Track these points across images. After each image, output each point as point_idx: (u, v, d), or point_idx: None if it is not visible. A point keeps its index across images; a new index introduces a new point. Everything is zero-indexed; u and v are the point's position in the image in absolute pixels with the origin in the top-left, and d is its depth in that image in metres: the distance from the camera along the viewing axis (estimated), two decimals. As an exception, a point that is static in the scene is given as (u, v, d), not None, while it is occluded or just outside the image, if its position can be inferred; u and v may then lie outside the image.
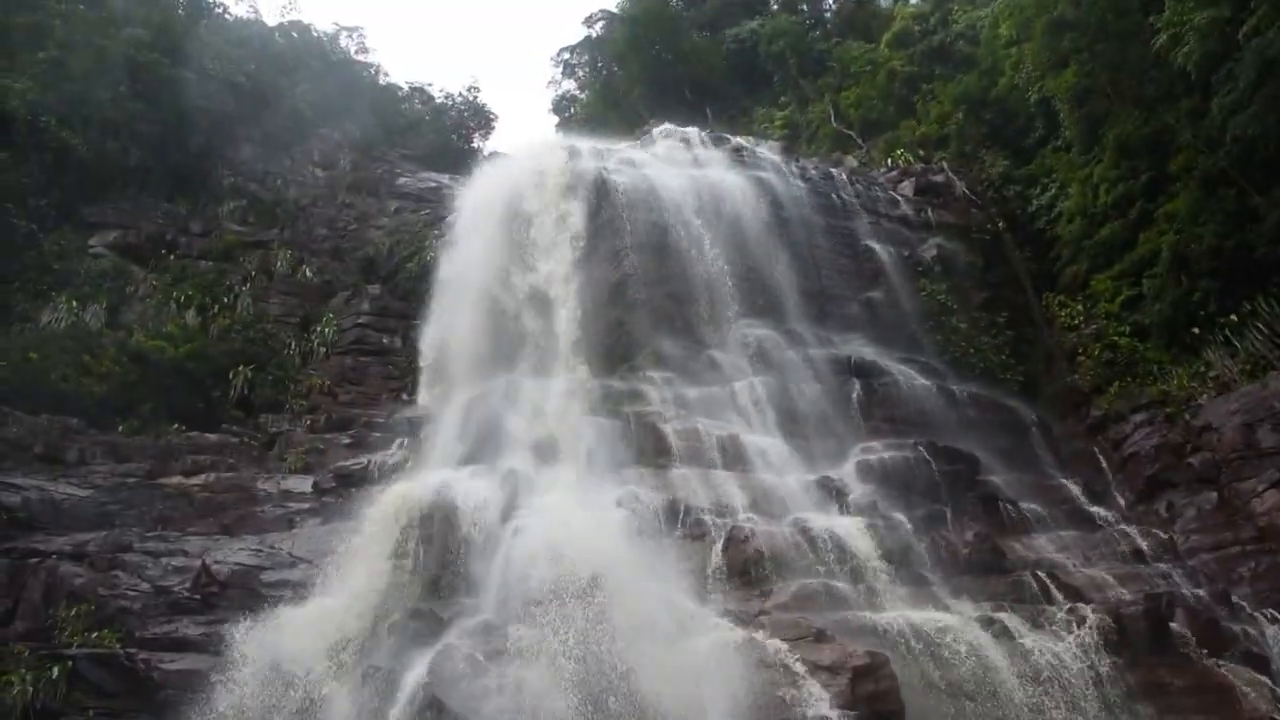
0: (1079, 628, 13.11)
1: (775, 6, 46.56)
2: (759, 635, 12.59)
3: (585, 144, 26.29)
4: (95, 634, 14.80)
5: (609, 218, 23.12)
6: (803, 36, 41.88)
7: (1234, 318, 20.70)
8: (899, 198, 27.17)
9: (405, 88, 46.29)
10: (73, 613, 15.14)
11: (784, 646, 12.20)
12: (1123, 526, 17.59)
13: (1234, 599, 15.52)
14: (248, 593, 16.00)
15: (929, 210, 26.83)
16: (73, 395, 20.62)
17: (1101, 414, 21.89)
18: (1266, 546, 16.86)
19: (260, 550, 16.93)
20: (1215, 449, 19.23)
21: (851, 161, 31.25)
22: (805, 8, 46.37)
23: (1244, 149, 21.19)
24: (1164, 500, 18.97)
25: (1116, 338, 23.51)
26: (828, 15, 45.91)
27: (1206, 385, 20.92)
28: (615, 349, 21.15)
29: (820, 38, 42.60)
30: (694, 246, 22.52)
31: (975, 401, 20.44)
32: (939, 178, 28.37)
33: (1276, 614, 15.20)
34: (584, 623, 12.93)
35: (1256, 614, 15.12)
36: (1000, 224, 27.38)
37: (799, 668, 11.82)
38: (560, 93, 54.78)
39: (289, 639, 14.19)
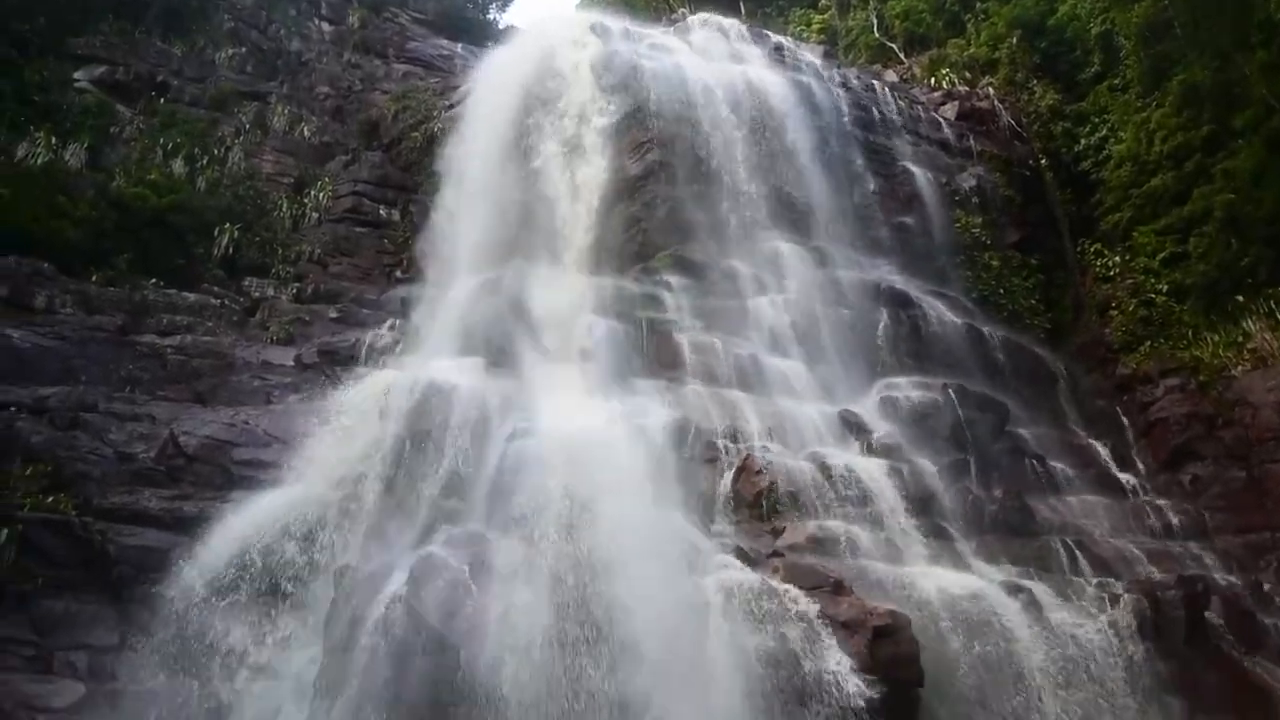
0: (1111, 607, 12.18)
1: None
2: (773, 580, 11.56)
3: (615, 24, 24.42)
4: (50, 498, 13.58)
5: (636, 106, 21.40)
6: (852, -65, 39.34)
7: (1282, 289, 19.63)
8: (941, 120, 25.54)
9: (425, -55, 43.69)
10: (28, 472, 13.85)
11: (801, 595, 11.16)
12: (1153, 498, 16.64)
13: (1265, 588, 14.65)
14: (217, 469, 14.84)
15: (971, 137, 25.26)
16: (43, 238, 18.99)
17: (1129, 373, 20.86)
18: (1298, 536, 16.06)
19: (233, 425, 15.66)
20: (1248, 426, 18.33)
21: (891, 76, 29.44)
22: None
23: (1326, 111, 19.78)
24: (1189, 472, 18.08)
25: (1153, 295, 22.41)
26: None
27: (1242, 356, 19.89)
28: (630, 247, 19.70)
29: (870, -61, 40.04)
30: (724, 146, 20.92)
31: (1005, 346, 19.23)
32: (984, 104, 26.71)
33: (1307, 610, 14.37)
34: (581, 544, 11.82)
35: (1286, 607, 14.26)
36: (1043, 160, 25.89)
37: (816, 621, 10.80)
38: (584, -29, 51.93)
39: (260, 524, 13.09)
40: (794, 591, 11.23)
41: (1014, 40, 28.90)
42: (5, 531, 12.92)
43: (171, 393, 16.67)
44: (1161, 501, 16.57)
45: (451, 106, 25.78)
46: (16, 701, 11.69)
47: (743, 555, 12.33)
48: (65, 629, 12.64)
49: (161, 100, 26.54)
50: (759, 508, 13.52)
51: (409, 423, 14.41)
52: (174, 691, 11.73)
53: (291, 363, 18.57)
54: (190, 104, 27.30)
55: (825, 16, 38.29)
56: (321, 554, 12.75)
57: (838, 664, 10.42)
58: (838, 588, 11.41)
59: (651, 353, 16.62)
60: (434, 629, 11.06)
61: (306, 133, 28.00)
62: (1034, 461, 16.47)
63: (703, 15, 27.55)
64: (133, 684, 11.80)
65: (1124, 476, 17.40)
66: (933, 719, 10.84)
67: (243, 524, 12.92)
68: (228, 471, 14.74)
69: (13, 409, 14.93)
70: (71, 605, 12.84)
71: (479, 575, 11.64)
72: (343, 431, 14.90)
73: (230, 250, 22.19)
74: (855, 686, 10.18)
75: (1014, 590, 12.30)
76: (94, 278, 19.23)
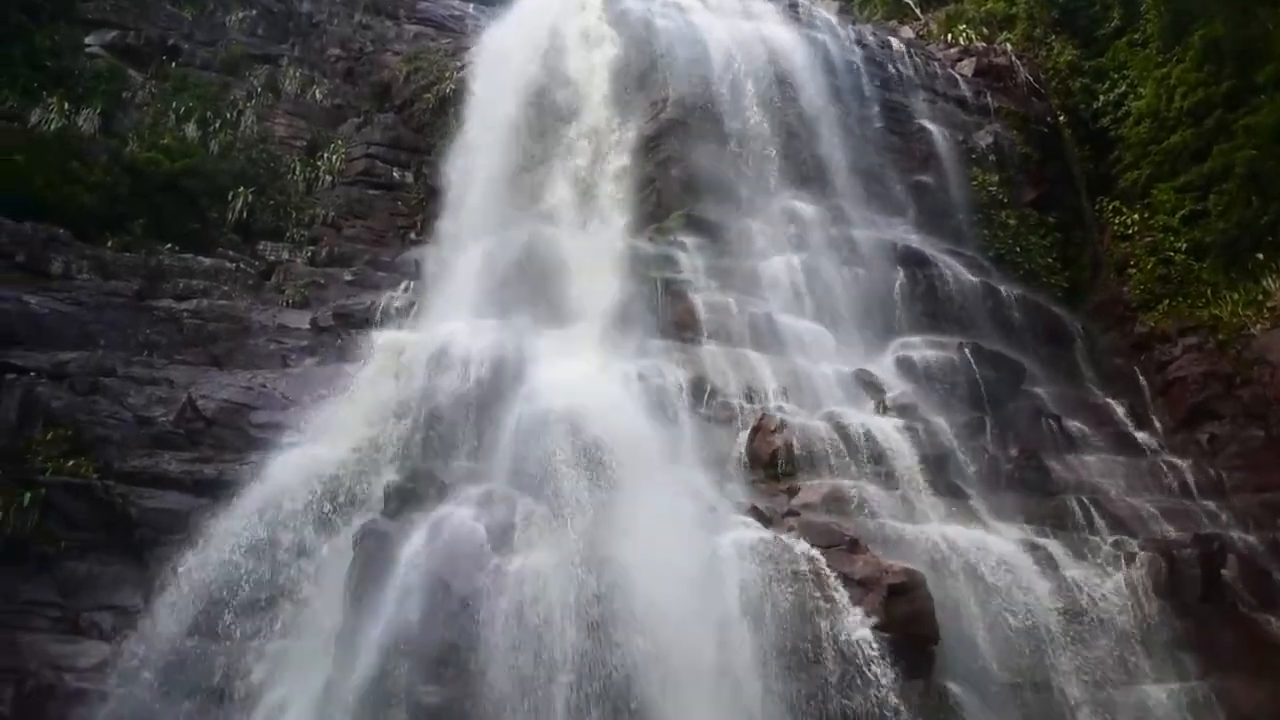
0: (1127, 565, 12.22)
1: None
2: (787, 538, 11.60)
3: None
4: (71, 462, 13.77)
5: (649, 65, 21.31)
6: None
7: (1303, 247, 19.44)
8: (958, 77, 25.22)
9: (433, -99, 43.19)
10: (49, 436, 14.06)
11: (815, 553, 11.21)
12: (1169, 457, 16.58)
13: (1282, 548, 14.62)
14: (235, 432, 14.97)
15: (988, 94, 24.91)
16: (57, 204, 18.99)
17: (1147, 332, 20.70)
18: (1317, 497, 15.98)
19: (250, 388, 15.79)
20: (1267, 385, 18.23)
21: (907, 32, 29.04)
22: None
23: (1351, 65, 19.46)
24: (1206, 431, 17.95)
25: (1172, 253, 22.13)
26: None
27: (1261, 315, 19.72)
28: (644, 208, 19.61)
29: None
30: (738, 104, 20.79)
31: (1021, 304, 19.12)
32: (1001, 60, 26.32)
33: (1324, 569, 14.32)
34: (598, 504, 11.94)
35: (1304, 566, 14.22)
36: (1061, 117, 25.55)
37: (831, 579, 10.87)
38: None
39: (278, 486, 13.20)
40: (810, 550, 11.27)
41: (1033, -6, 28.45)
42: (28, 495, 13.14)
43: (189, 356, 16.77)
44: (1178, 460, 16.50)
45: (464, 67, 25.57)
46: (43, 661, 11.92)
47: (758, 514, 12.38)
48: (89, 590, 12.85)
49: (173, 64, 26.35)
50: (774, 467, 13.56)
51: (424, 385, 14.49)
52: (198, 650, 11.87)
53: (307, 326, 18.62)
54: (201, 67, 27.14)
55: (840, -28, 37.69)
56: (340, 515, 12.83)
57: (855, 623, 10.49)
58: (853, 546, 11.47)
59: (666, 313, 16.56)
60: (453, 588, 11.19)
61: (318, 95, 27.83)
62: (1050, 420, 16.43)
63: (716, -29, 27.17)
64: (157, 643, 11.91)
65: (1141, 435, 17.32)
66: (949, 675, 10.91)
67: (263, 487, 12.99)
68: (246, 434, 14.85)
69: (33, 374, 15.08)
70: (95, 567, 13.08)
71: (497, 535, 11.75)
72: (360, 393, 15.01)
73: (244, 214, 22.16)
74: (870, 643, 10.24)
75: (1030, 548, 12.38)
76: (109, 243, 19.28)
